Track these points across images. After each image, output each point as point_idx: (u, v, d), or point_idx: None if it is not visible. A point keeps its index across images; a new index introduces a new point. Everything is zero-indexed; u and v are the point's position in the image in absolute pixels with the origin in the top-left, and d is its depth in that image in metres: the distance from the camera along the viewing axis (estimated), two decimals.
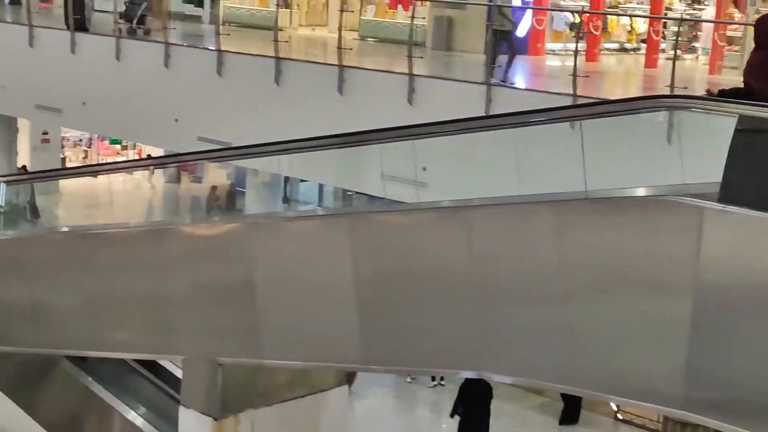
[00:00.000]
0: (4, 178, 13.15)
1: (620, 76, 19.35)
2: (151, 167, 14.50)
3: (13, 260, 10.33)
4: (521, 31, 17.80)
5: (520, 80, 15.86)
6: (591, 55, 18.40)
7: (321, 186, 24.00)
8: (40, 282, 9.95)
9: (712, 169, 6.05)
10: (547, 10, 19.25)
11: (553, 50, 19.40)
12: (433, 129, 7.79)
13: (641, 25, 20.90)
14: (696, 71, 18.25)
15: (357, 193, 14.95)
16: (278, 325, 8.15)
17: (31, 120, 24.50)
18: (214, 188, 28.47)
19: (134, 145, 31.47)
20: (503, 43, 14.94)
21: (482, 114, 12.97)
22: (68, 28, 19.03)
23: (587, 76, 14.10)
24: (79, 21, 19.04)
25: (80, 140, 32.58)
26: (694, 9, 21.47)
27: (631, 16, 20.85)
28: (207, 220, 14.19)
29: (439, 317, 7.19)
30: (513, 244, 6.84)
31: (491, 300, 6.93)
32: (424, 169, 8.86)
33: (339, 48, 15.57)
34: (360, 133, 8.33)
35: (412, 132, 7.89)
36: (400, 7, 21.37)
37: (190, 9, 23.92)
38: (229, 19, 22.51)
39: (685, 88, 12.87)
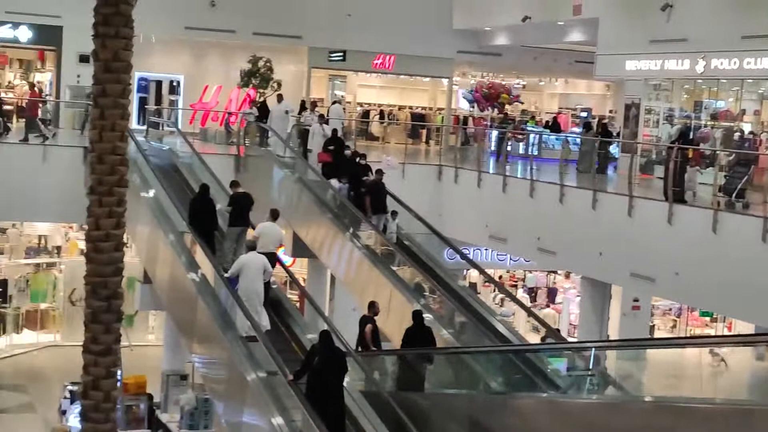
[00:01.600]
0: (594, 343, 13.55)
1: None
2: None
3: (587, 424, 10.56)
4: None
5: None
6: None
7: None
8: None
9: None
10: None
11: None
12: None
13: None
14: None
15: None
16: None
17: (624, 287, 25.08)
18: None
19: (724, 318, 30.89)
20: None
21: None
22: (666, 199, 19.39)
23: None
24: (677, 193, 19.35)
25: (669, 309, 32.66)
26: None
27: None
28: None
29: None
30: None
31: None
32: None
33: None
34: None
35: None
36: None
37: None
38: None
39: None
